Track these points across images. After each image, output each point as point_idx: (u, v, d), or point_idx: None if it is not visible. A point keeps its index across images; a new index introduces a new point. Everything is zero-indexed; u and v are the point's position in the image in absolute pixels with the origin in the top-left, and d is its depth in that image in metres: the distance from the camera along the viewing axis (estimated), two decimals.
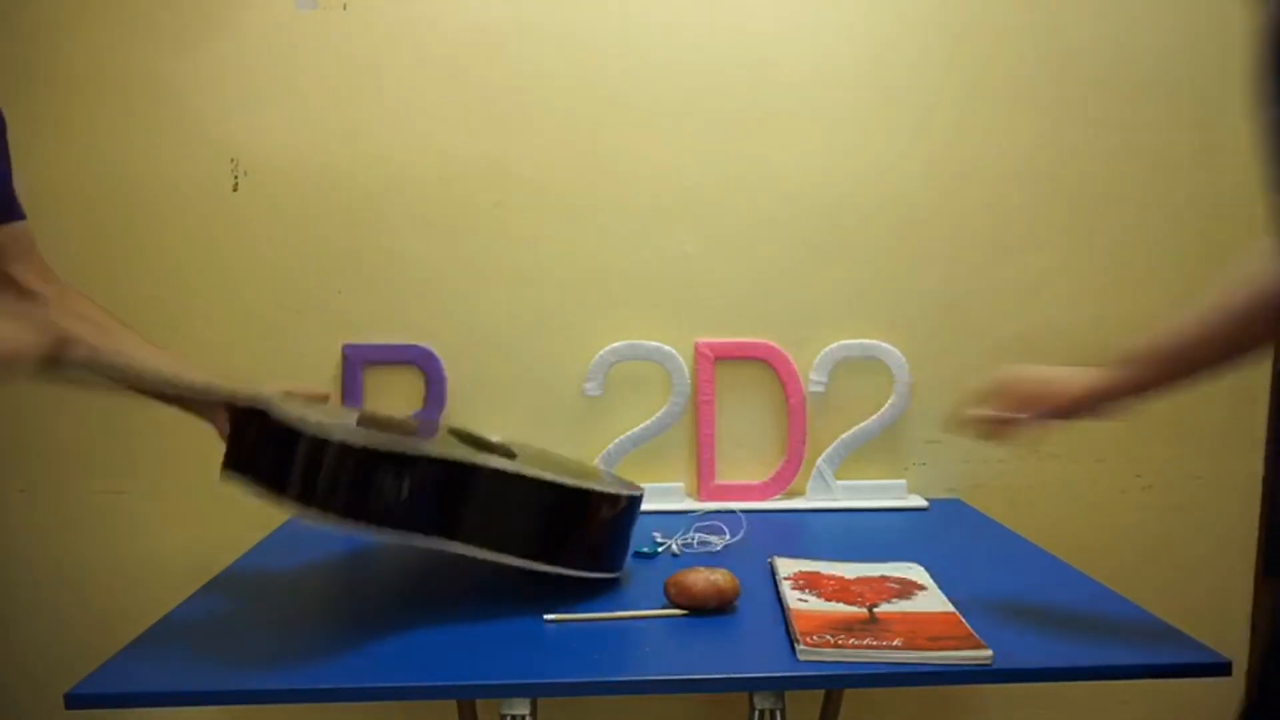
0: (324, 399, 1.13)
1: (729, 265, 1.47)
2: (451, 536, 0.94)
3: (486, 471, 0.95)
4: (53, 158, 1.41)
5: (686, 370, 1.46)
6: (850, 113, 1.45)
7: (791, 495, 1.49)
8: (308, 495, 0.87)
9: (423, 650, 0.89)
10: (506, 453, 1.04)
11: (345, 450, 0.87)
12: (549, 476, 0.98)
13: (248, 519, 1.24)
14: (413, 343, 1.46)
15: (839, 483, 1.47)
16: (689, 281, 1.47)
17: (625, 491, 1.04)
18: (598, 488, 1.01)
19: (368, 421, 1.02)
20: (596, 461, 1.46)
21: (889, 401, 1.47)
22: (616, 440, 1.46)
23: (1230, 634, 1.56)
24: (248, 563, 1.18)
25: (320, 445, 0.87)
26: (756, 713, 0.97)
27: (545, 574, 0.99)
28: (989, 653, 0.85)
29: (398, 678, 0.83)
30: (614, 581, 1.07)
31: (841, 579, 1.06)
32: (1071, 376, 0.91)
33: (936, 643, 0.86)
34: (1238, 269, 0.81)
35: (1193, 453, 1.53)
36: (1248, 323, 0.81)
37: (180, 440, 1.46)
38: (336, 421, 0.93)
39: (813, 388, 1.47)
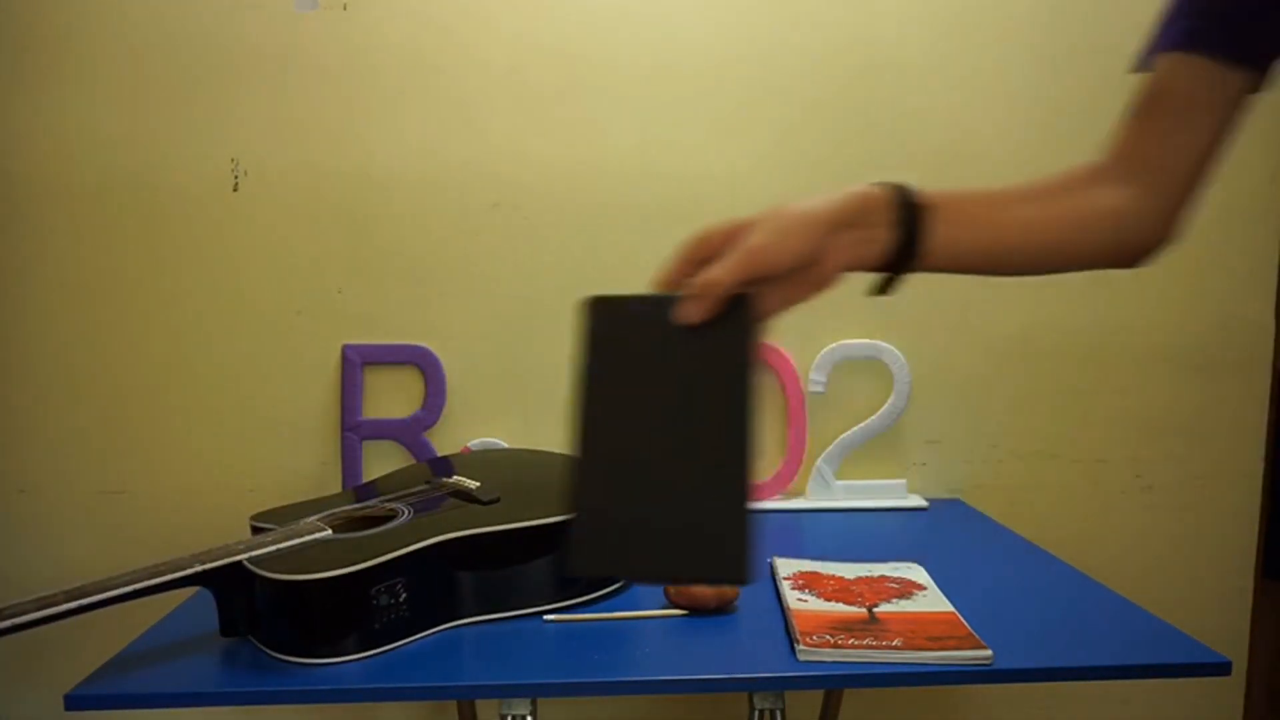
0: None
1: None
2: (464, 615, 0.95)
3: (471, 539, 0.95)
4: (52, 157, 1.41)
5: None
6: (849, 113, 1.45)
7: (791, 495, 1.49)
8: (314, 646, 0.87)
9: (423, 650, 0.89)
10: (491, 499, 1.04)
11: (330, 585, 0.86)
12: (530, 522, 0.97)
13: (246, 520, 1.23)
14: (413, 343, 1.46)
15: (839, 483, 1.47)
16: None
17: None
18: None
19: (341, 525, 1.01)
20: None
21: (889, 401, 1.47)
22: None
23: (1230, 634, 1.56)
24: None
25: (300, 589, 0.86)
26: (756, 713, 0.97)
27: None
28: (989, 653, 0.85)
29: (398, 678, 0.83)
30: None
31: (841, 579, 1.06)
32: (852, 249, 0.63)
33: (936, 643, 0.86)
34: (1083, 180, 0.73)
35: (1193, 453, 1.53)
36: (1081, 247, 0.70)
37: (180, 440, 1.46)
38: (307, 539, 0.93)
39: (813, 388, 1.47)
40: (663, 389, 0.54)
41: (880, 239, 0.64)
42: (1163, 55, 0.71)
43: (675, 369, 0.54)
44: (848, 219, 0.62)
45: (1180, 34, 0.70)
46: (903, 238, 0.64)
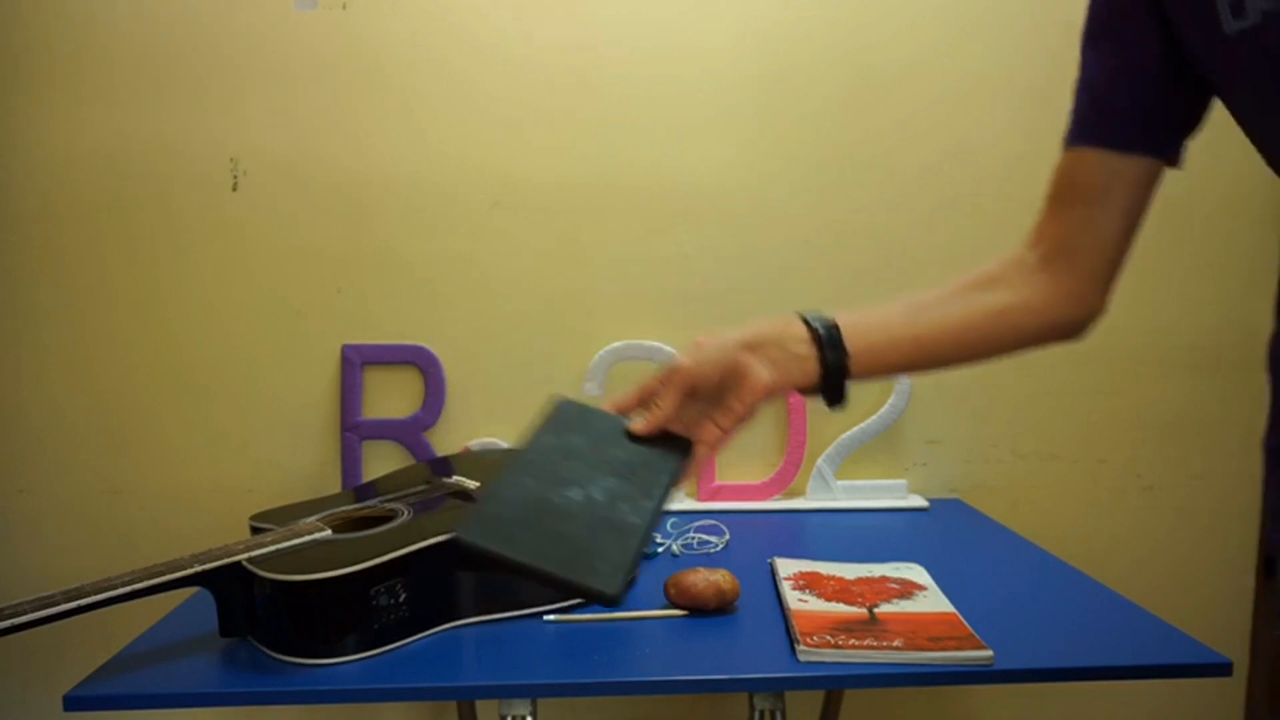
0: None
1: (729, 265, 1.47)
2: (464, 615, 0.95)
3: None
4: (52, 158, 1.41)
5: None
6: (850, 113, 1.45)
7: (791, 495, 1.48)
8: (313, 647, 0.87)
9: (423, 650, 0.89)
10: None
11: (331, 584, 0.86)
12: None
13: (246, 520, 1.23)
14: (413, 343, 1.46)
15: (839, 483, 1.47)
16: (688, 281, 1.47)
17: None
18: None
19: (340, 525, 1.01)
20: None
21: (889, 401, 1.47)
22: None
23: (1230, 634, 1.56)
24: None
25: (302, 589, 0.86)
26: (756, 713, 0.97)
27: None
28: (989, 653, 0.85)
29: (398, 678, 0.83)
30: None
31: (842, 579, 1.05)
32: (768, 370, 0.72)
33: (937, 643, 0.86)
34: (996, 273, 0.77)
35: (1193, 453, 1.53)
36: (990, 344, 0.76)
37: (180, 440, 1.46)
38: (308, 540, 0.93)
39: None
40: (600, 457, 0.67)
41: (807, 360, 0.72)
42: (1067, 148, 0.77)
43: (616, 451, 0.67)
44: (761, 339, 0.72)
45: (1076, 128, 0.76)
46: (829, 358, 0.72)
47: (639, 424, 0.72)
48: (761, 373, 0.71)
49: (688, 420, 0.73)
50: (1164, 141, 0.73)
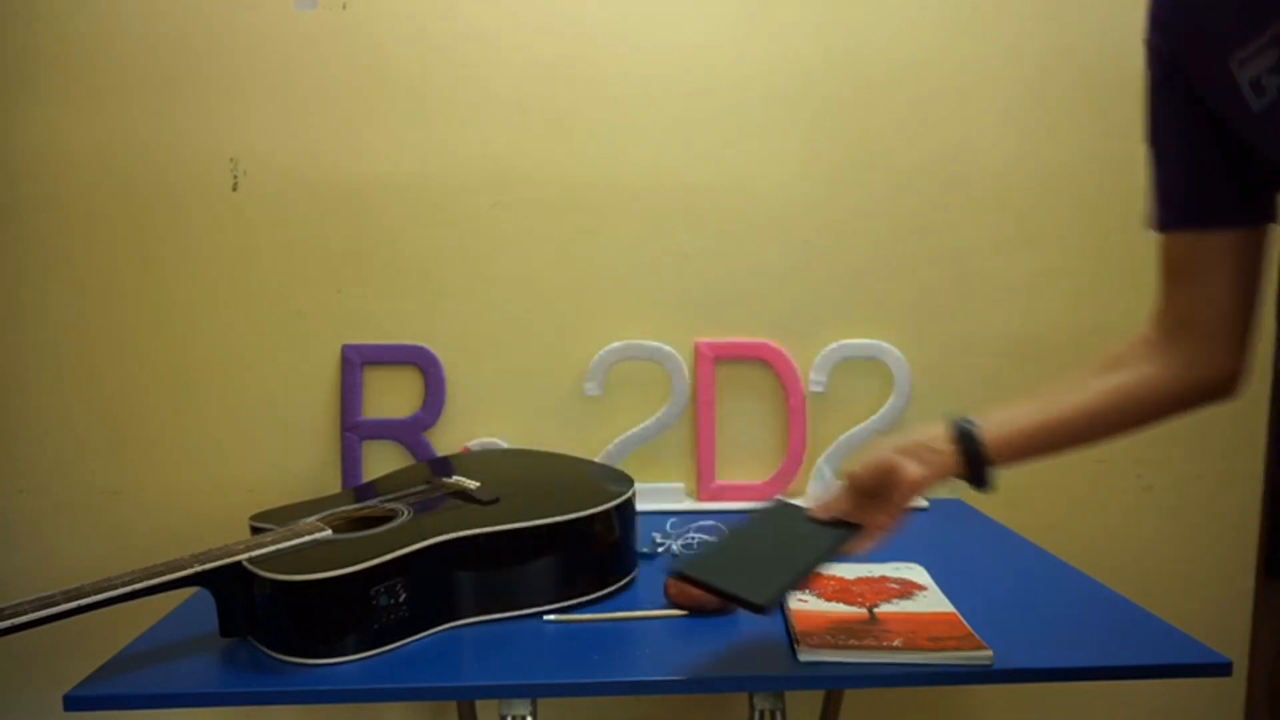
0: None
1: (729, 265, 1.47)
2: (464, 615, 0.95)
3: (471, 540, 0.95)
4: (52, 158, 1.41)
5: (686, 370, 1.46)
6: (850, 112, 1.45)
7: (791, 495, 1.48)
8: (313, 647, 0.87)
9: (423, 650, 0.89)
10: (490, 499, 1.04)
11: (331, 585, 0.86)
12: (530, 522, 0.97)
13: (246, 520, 1.23)
14: (413, 343, 1.46)
15: (839, 483, 1.47)
16: (688, 281, 1.47)
17: (606, 505, 1.03)
18: (577, 514, 1.00)
19: (340, 525, 1.01)
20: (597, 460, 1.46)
21: (889, 401, 1.47)
22: (616, 440, 1.46)
23: (1230, 634, 1.56)
24: None
25: (303, 589, 0.86)
26: (756, 713, 0.97)
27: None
28: (989, 653, 0.85)
29: (398, 678, 0.83)
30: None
31: (842, 579, 1.06)
32: (917, 467, 0.84)
33: (937, 643, 0.86)
34: (1120, 360, 0.84)
35: (1193, 453, 1.53)
36: (1123, 417, 0.83)
37: (180, 440, 1.46)
38: (308, 540, 0.93)
39: (813, 388, 1.47)
40: (789, 530, 0.89)
41: (949, 455, 0.84)
42: (1158, 232, 0.82)
43: (801, 528, 0.89)
44: (913, 444, 0.85)
45: (1160, 214, 0.81)
46: (967, 451, 0.83)
47: (817, 509, 0.89)
48: (912, 470, 0.83)
49: (860, 512, 0.88)
50: (1244, 209, 0.77)
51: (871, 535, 0.86)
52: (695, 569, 0.83)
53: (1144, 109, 0.81)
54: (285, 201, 1.43)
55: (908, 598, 0.99)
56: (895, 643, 0.86)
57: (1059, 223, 1.48)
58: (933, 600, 0.99)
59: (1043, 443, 0.83)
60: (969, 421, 0.84)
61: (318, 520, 1.00)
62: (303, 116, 1.42)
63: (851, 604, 0.97)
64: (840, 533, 0.87)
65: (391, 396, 1.47)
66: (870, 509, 0.87)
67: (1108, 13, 1.44)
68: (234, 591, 0.90)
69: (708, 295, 1.48)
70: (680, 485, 1.48)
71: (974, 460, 0.83)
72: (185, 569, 0.87)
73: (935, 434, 0.85)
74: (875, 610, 0.95)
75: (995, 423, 0.84)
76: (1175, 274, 0.81)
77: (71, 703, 0.80)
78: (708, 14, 1.43)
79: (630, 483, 1.10)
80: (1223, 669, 0.85)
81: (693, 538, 1.24)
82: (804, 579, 0.83)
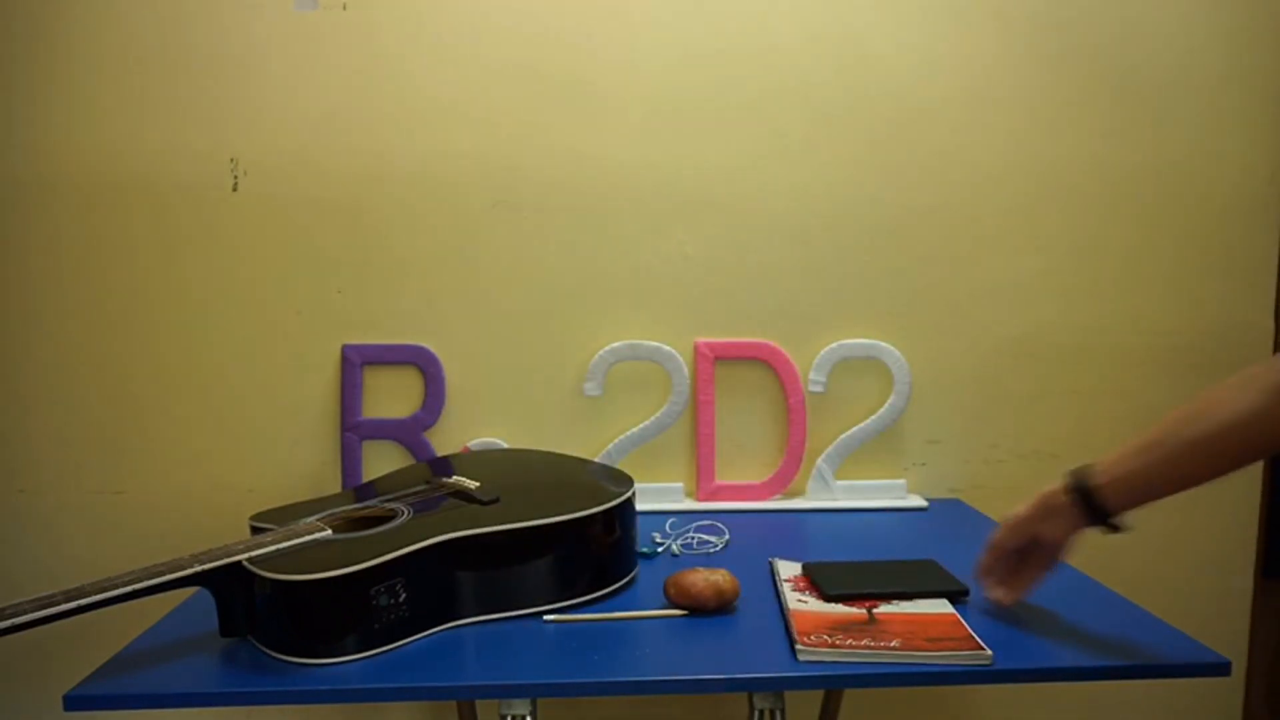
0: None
1: (729, 265, 1.47)
2: (464, 615, 0.95)
3: (471, 540, 0.95)
4: (52, 158, 1.41)
5: (686, 370, 1.46)
6: (849, 112, 1.45)
7: (791, 495, 1.49)
8: (313, 646, 0.87)
9: (423, 650, 0.89)
10: (490, 499, 1.04)
11: (326, 585, 0.86)
12: (530, 522, 0.97)
13: (246, 520, 1.24)
14: (413, 343, 1.46)
15: (839, 483, 1.47)
16: (689, 281, 1.47)
17: (606, 505, 1.03)
18: (577, 514, 1.00)
19: (340, 525, 1.01)
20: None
21: (889, 401, 1.47)
22: (616, 440, 1.46)
23: (1230, 634, 1.56)
24: None
25: (303, 589, 0.86)
26: (756, 713, 0.97)
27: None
28: (989, 653, 0.85)
29: (398, 678, 0.83)
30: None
31: None
32: (1056, 528, 0.90)
33: (936, 643, 0.86)
34: (1242, 386, 0.80)
35: None
36: (1250, 448, 0.80)
37: (180, 440, 1.46)
38: (306, 540, 0.93)
39: (813, 388, 1.47)
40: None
41: (1070, 509, 0.88)
42: None
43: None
44: (1040, 514, 0.91)
45: None
46: (1082, 503, 0.87)
47: (978, 572, 0.99)
48: (1053, 535, 0.90)
49: (1012, 576, 0.97)
50: None
51: (1015, 591, 0.96)
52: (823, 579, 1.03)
53: None
54: (285, 201, 1.43)
55: (907, 598, 0.99)
56: (894, 643, 0.87)
57: (1059, 223, 1.48)
58: (932, 601, 0.99)
59: (1159, 486, 0.84)
60: (1084, 470, 0.87)
61: (317, 520, 1.00)
62: (303, 117, 1.42)
63: (850, 604, 0.97)
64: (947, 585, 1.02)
65: (391, 396, 1.47)
66: (1019, 571, 0.96)
67: (1108, 13, 1.44)
68: (234, 591, 0.90)
69: (707, 295, 1.48)
70: (680, 485, 1.48)
71: (1093, 513, 0.87)
72: (185, 569, 0.87)
73: (1054, 489, 0.89)
74: (874, 611, 0.95)
75: (1106, 466, 0.86)
76: None
77: (71, 703, 0.80)
78: (708, 15, 1.43)
79: (630, 483, 1.10)
80: (1222, 669, 0.85)
81: (693, 537, 1.24)
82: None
